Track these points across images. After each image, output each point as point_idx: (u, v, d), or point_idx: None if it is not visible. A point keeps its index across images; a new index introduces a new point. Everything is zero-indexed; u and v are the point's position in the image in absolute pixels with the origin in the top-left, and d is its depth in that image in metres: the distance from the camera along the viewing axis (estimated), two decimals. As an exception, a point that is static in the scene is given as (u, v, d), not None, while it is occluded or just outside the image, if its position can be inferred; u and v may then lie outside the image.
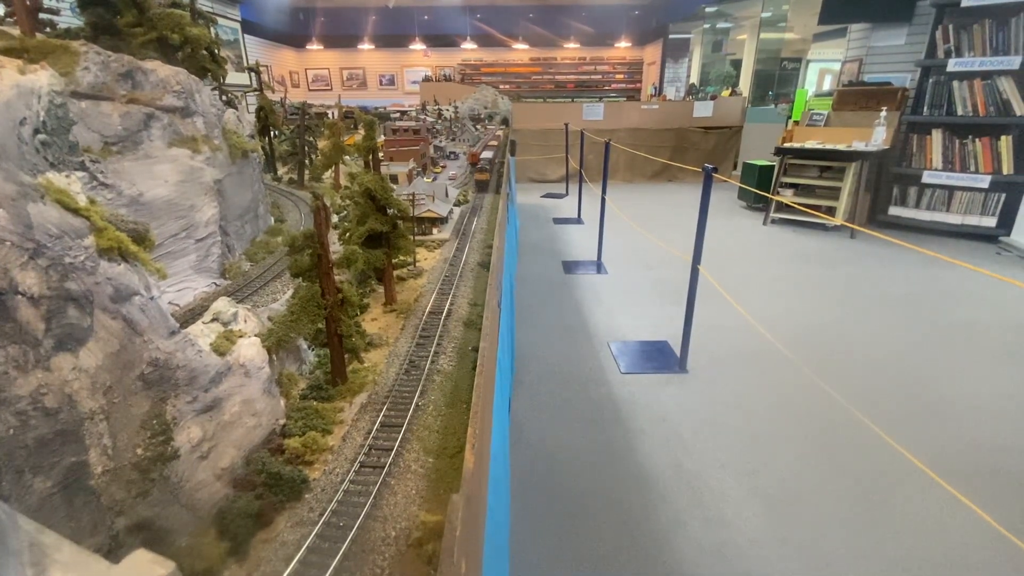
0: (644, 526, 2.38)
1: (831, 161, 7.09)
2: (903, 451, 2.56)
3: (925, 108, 6.79)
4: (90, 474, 0.83)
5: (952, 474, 2.59)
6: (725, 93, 12.31)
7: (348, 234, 1.83)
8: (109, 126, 1.65)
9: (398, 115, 8.12)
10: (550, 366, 3.75)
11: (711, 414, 3.18)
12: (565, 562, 2.21)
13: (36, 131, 1.27)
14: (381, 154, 4.10)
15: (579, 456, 2.84)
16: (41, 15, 1.85)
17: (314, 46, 17.99)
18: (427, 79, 17.21)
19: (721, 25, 15.49)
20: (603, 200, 5.76)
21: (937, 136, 6.72)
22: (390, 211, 1.85)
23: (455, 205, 3.30)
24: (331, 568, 0.91)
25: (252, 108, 4.25)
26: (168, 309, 1.03)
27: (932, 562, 2.19)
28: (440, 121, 7.61)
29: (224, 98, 2.64)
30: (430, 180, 3.77)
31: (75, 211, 0.86)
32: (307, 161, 4.33)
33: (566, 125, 9.64)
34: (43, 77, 1.32)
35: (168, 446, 0.96)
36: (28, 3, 1.73)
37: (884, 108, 6.88)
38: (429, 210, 2.81)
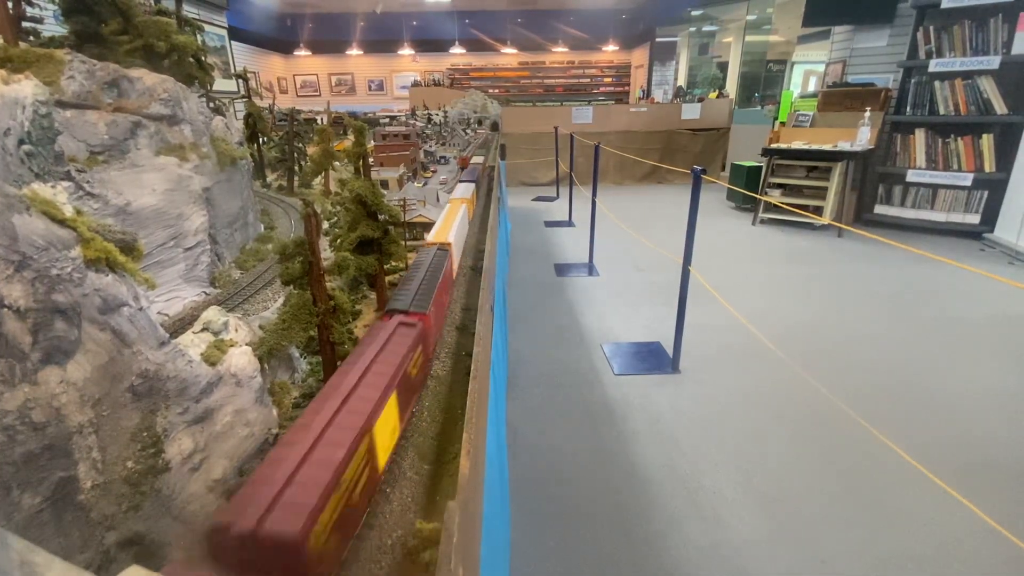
0: (641, 527, 2.38)
1: (817, 161, 7.18)
2: (894, 447, 2.58)
3: (908, 108, 6.90)
4: (79, 489, 0.82)
5: (942, 469, 2.62)
6: (712, 95, 12.42)
7: (339, 240, 1.82)
8: (95, 135, 1.63)
9: (387, 120, 8.11)
10: (543, 369, 3.75)
11: (704, 414, 3.19)
12: (563, 565, 2.21)
13: (20, 141, 1.25)
14: (371, 160, 4.09)
15: (574, 458, 2.84)
16: (24, 24, 1.83)
17: (302, 52, 17.94)
18: (416, 84, 17.22)
19: (707, 28, 15.66)
20: (593, 203, 5.78)
21: (920, 135, 6.83)
22: (381, 217, 1.85)
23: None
24: (327, 578, 0.89)
25: (240, 115, 4.22)
26: (157, 319, 1.02)
27: (924, 556, 2.21)
28: (430, 126, 7.61)
29: (212, 105, 2.63)
30: (421, 185, 3.77)
31: (61, 222, 0.85)
32: (296, 168, 4.31)
33: (556, 128, 9.68)
34: (27, 87, 1.31)
35: (159, 458, 0.95)
36: (11, 12, 1.71)
37: (868, 108, 6.98)
38: (420, 215, 2.81)
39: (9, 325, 0.73)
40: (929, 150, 6.80)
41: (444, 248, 1.94)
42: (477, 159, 4.72)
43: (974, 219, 6.59)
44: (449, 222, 2.31)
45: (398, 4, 16.87)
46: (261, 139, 4.29)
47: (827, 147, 7.02)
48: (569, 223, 7.95)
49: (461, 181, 3.36)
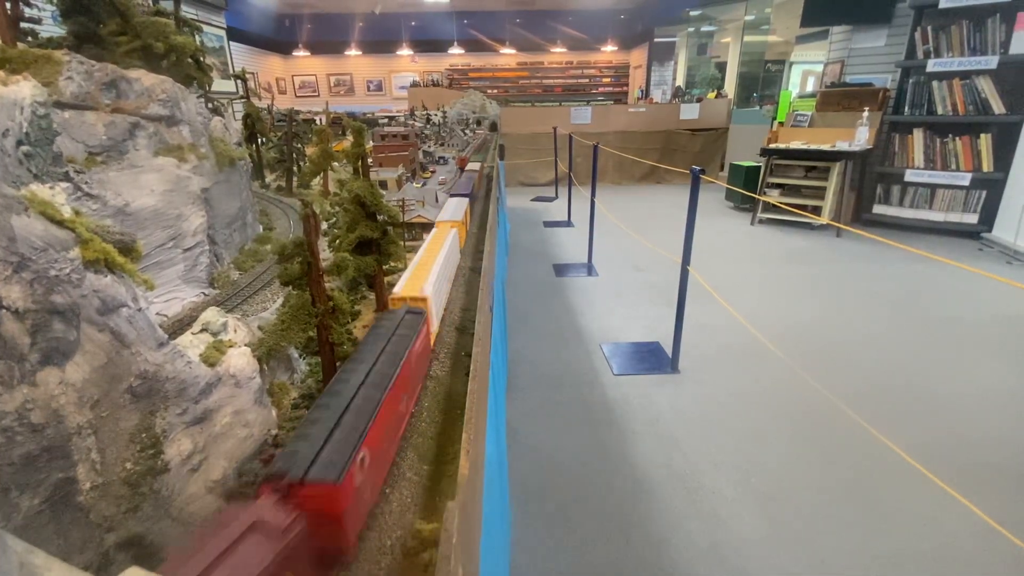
0: (640, 527, 2.38)
1: (816, 161, 7.19)
2: (893, 446, 2.59)
3: (906, 108, 6.91)
4: (78, 490, 0.82)
5: (941, 468, 2.63)
6: (711, 95, 12.44)
7: (338, 241, 1.82)
8: (93, 136, 1.63)
9: (386, 121, 8.11)
10: (543, 369, 3.75)
11: (703, 413, 3.19)
12: (562, 565, 2.21)
13: (19, 142, 1.25)
14: (370, 160, 4.09)
15: (574, 459, 2.84)
16: (22, 24, 1.83)
17: (301, 52, 17.92)
18: (415, 84, 17.24)
19: (705, 28, 15.67)
20: (592, 203, 5.78)
21: (918, 135, 6.84)
22: (380, 217, 1.84)
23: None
24: (326, 579, 0.89)
25: (239, 115, 4.22)
26: (156, 320, 1.02)
27: (924, 556, 2.21)
28: (429, 126, 7.61)
29: (210, 106, 2.63)
30: (420, 185, 3.77)
31: (60, 223, 0.84)
32: (295, 168, 4.31)
33: (554, 129, 9.68)
34: (25, 88, 1.30)
35: (158, 459, 0.95)
36: (9, 13, 1.71)
37: (866, 108, 6.99)
38: (419, 215, 2.81)
39: (7, 326, 0.73)
40: (927, 150, 6.81)
41: (416, 309, 1.36)
42: (473, 165, 4.20)
43: (972, 219, 6.60)
44: (428, 263, 1.67)
45: (397, 5, 16.87)
46: (260, 140, 4.29)
47: (825, 147, 7.03)
48: (568, 223, 7.95)
49: (452, 195, 2.77)
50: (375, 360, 1.11)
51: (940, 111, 6.64)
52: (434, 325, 1.54)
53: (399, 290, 1.50)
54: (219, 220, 2.16)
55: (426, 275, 1.58)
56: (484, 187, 4.04)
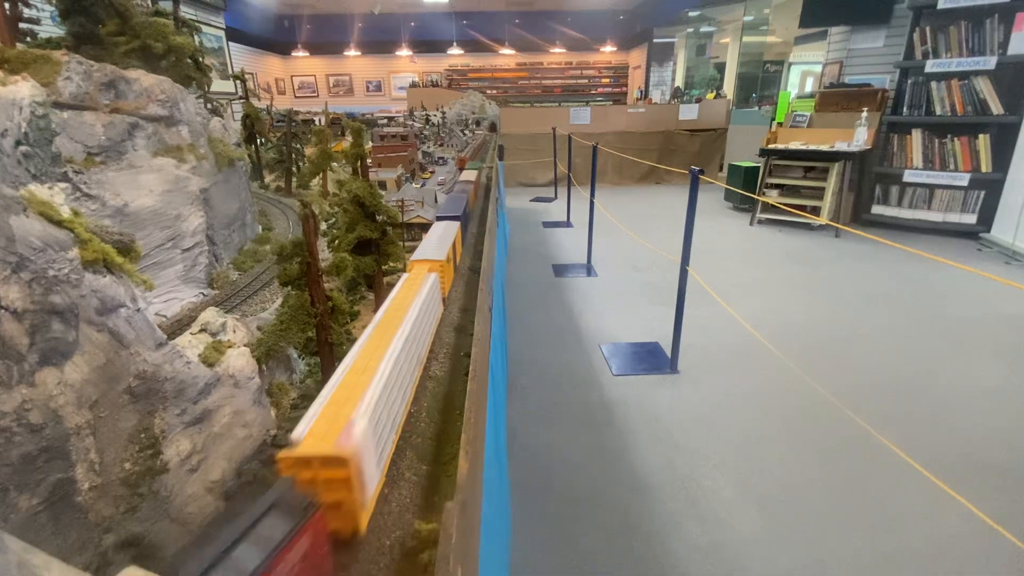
0: (640, 527, 2.38)
1: (815, 161, 7.20)
2: (892, 446, 2.59)
3: (905, 108, 6.92)
4: (77, 490, 0.81)
5: (941, 468, 2.63)
6: (710, 96, 12.45)
7: (337, 241, 1.82)
8: (92, 136, 1.63)
9: (385, 121, 8.11)
10: (542, 369, 3.75)
11: (703, 414, 3.19)
12: (562, 565, 2.21)
13: (17, 143, 1.25)
14: (369, 160, 4.09)
15: (573, 459, 2.84)
16: (21, 25, 1.83)
17: (300, 53, 17.93)
18: (414, 85, 17.26)
19: (704, 29, 15.69)
20: (591, 203, 5.78)
21: (917, 136, 6.85)
22: (379, 218, 1.85)
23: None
24: (325, 580, 0.88)
25: (238, 116, 4.22)
26: (155, 321, 1.02)
27: (924, 555, 2.21)
28: (428, 127, 7.62)
29: (209, 106, 2.63)
30: (419, 186, 3.77)
31: (59, 223, 0.84)
32: (294, 169, 4.31)
33: (554, 129, 9.69)
34: (24, 88, 1.30)
35: (157, 460, 0.94)
36: (8, 13, 1.71)
37: (865, 109, 7.00)
38: (418, 216, 2.81)
39: (6, 326, 0.73)
40: (926, 150, 6.82)
41: (305, 501, 0.67)
42: (469, 175, 3.42)
43: (971, 219, 6.61)
44: (370, 363, 0.91)
45: (396, 5, 16.87)
46: (259, 140, 4.29)
47: (824, 147, 7.04)
48: (567, 224, 7.96)
49: (439, 217, 2.01)
50: None
51: (939, 112, 6.65)
52: (367, 493, 0.81)
53: (299, 436, 0.77)
54: (218, 220, 2.15)
55: (357, 399, 0.83)
56: (481, 200, 3.44)
